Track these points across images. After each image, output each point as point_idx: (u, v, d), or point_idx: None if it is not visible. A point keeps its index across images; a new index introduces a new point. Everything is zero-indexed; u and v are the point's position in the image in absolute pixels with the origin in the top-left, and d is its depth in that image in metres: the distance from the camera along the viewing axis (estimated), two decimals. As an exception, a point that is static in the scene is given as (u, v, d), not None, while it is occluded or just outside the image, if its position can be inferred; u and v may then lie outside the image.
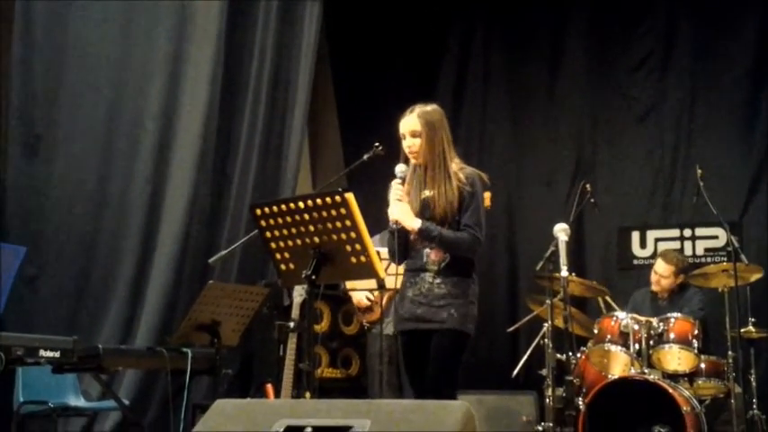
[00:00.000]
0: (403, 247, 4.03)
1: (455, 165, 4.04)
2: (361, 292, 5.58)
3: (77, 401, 5.29)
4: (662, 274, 6.28)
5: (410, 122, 4.02)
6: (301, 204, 3.44)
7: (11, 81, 5.45)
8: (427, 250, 4.00)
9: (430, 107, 4.08)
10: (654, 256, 6.92)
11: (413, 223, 3.93)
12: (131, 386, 5.78)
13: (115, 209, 5.96)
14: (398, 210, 3.95)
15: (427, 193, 4.01)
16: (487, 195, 4.25)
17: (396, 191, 3.99)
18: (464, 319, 3.95)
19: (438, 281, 3.96)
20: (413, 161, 4.04)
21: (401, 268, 4.14)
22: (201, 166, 6.25)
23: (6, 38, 5.40)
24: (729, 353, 5.56)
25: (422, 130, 3.98)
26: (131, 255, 5.95)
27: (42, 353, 3.84)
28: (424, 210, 4.00)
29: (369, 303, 5.63)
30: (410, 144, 4.01)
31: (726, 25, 7.39)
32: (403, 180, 4.01)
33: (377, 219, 4.42)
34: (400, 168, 4.03)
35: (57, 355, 3.92)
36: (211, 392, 4.93)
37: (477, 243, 3.97)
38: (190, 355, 4.68)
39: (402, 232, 3.98)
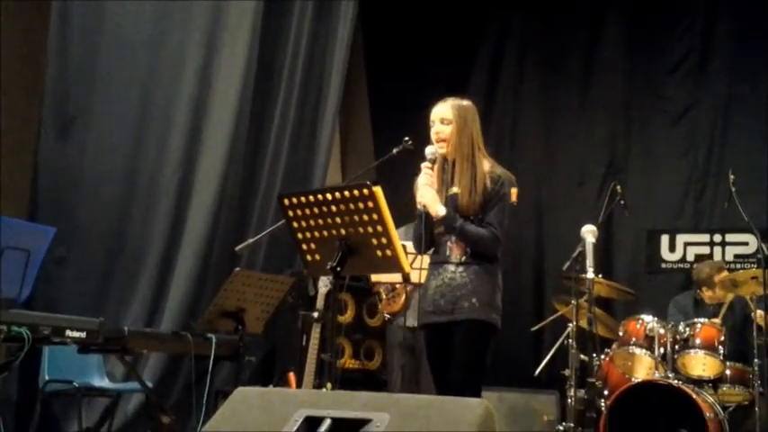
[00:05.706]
0: (429, 235, 3.98)
1: (487, 163, 3.98)
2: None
3: (102, 382, 5.36)
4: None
5: (442, 110, 3.96)
6: (329, 196, 3.43)
7: (47, 64, 5.48)
8: (450, 243, 3.93)
9: (465, 102, 4.02)
10: (683, 260, 6.85)
11: (438, 209, 3.88)
12: (155, 369, 5.84)
13: (145, 193, 6.00)
14: (427, 194, 3.89)
15: (454, 189, 3.94)
16: (514, 192, 4.18)
17: (425, 175, 3.90)
18: (488, 308, 3.88)
19: (461, 270, 3.90)
20: (440, 150, 3.94)
21: (426, 263, 4.11)
22: (232, 153, 6.27)
23: (43, 21, 5.43)
24: (756, 360, 5.51)
25: (453, 120, 3.93)
26: (159, 239, 5.99)
27: (69, 333, 3.88)
28: (449, 206, 3.93)
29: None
30: (439, 130, 3.94)
31: (765, 27, 7.30)
32: (432, 162, 3.93)
33: (404, 212, 4.40)
34: (430, 150, 3.94)
35: (83, 335, 3.95)
36: (234, 379, 4.96)
37: (496, 241, 3.89)
38: (214, 340, 4.73)
39: (429, 220, 3.91)
